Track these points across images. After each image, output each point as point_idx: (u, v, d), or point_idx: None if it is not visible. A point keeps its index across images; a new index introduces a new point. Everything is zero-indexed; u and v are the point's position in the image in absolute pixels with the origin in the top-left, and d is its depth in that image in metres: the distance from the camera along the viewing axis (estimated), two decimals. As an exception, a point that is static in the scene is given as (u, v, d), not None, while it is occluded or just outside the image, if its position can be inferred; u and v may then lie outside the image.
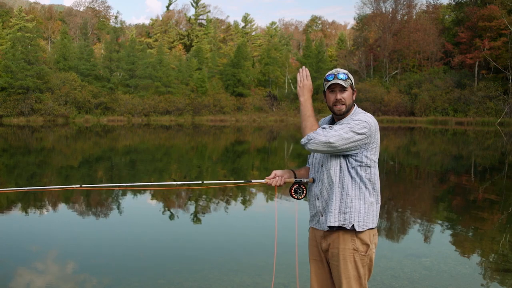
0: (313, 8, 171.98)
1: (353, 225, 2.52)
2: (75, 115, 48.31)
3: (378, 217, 2.68)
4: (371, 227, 2.59)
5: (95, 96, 50.03)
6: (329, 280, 2.69)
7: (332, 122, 2.74)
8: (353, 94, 2.66)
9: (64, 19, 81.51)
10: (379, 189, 2.68)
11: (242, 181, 3.02)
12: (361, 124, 2.53)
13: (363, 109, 2.72)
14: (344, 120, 2.63)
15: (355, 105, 2.71)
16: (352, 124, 2.53)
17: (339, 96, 2.61)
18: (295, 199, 2.76)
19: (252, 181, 2.97)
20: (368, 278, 2.63)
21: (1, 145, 22.27)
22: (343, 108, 2.62)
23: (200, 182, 3.40)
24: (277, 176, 2.76)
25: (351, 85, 2.65)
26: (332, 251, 2.60)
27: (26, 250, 5.66)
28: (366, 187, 2.58)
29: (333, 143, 2.48)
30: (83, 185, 3.13)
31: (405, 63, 59.21)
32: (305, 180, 2.76)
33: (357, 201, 2.55)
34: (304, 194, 2.75)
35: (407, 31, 57.77)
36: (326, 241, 2.63)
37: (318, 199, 2.67)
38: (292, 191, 2.76)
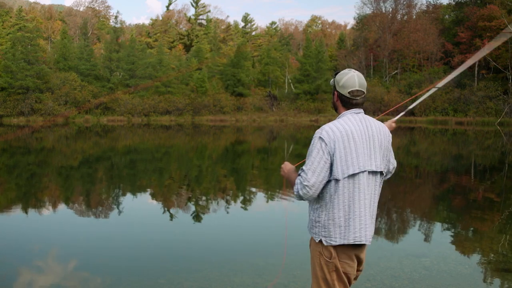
0: (313, 8, 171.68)
1: (320, 240, 2.50)
2: (75, 115, 48.31)
3: (357, 233, 2.44)
4: (338, 243, 2.44)
5: (95, 96, 50.01)
6: None
7: None
8: (333, 96, 2.65)
9: (64, 19, 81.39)
10: (356, 202, 2.45)
11: None
12: (314, 141, 2.46)
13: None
14: None
15: (342, 108, 2.59)
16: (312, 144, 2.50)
17: None
18: None
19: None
20: None
21: (1, 145, 22.27)
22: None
23: None
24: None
25: (333, 88, 2.64)
26: (309, 248, 2.67)
27: (27, 250, 5.66)
28: (332, 201, 2.45)
29: (310, 185, 2.40)
30: None
31: (405, 63, 59.15)
32: None
33: (324, 216, 2.47)
34: None
35: (407, 31, 57.70)
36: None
37: None
38: None
